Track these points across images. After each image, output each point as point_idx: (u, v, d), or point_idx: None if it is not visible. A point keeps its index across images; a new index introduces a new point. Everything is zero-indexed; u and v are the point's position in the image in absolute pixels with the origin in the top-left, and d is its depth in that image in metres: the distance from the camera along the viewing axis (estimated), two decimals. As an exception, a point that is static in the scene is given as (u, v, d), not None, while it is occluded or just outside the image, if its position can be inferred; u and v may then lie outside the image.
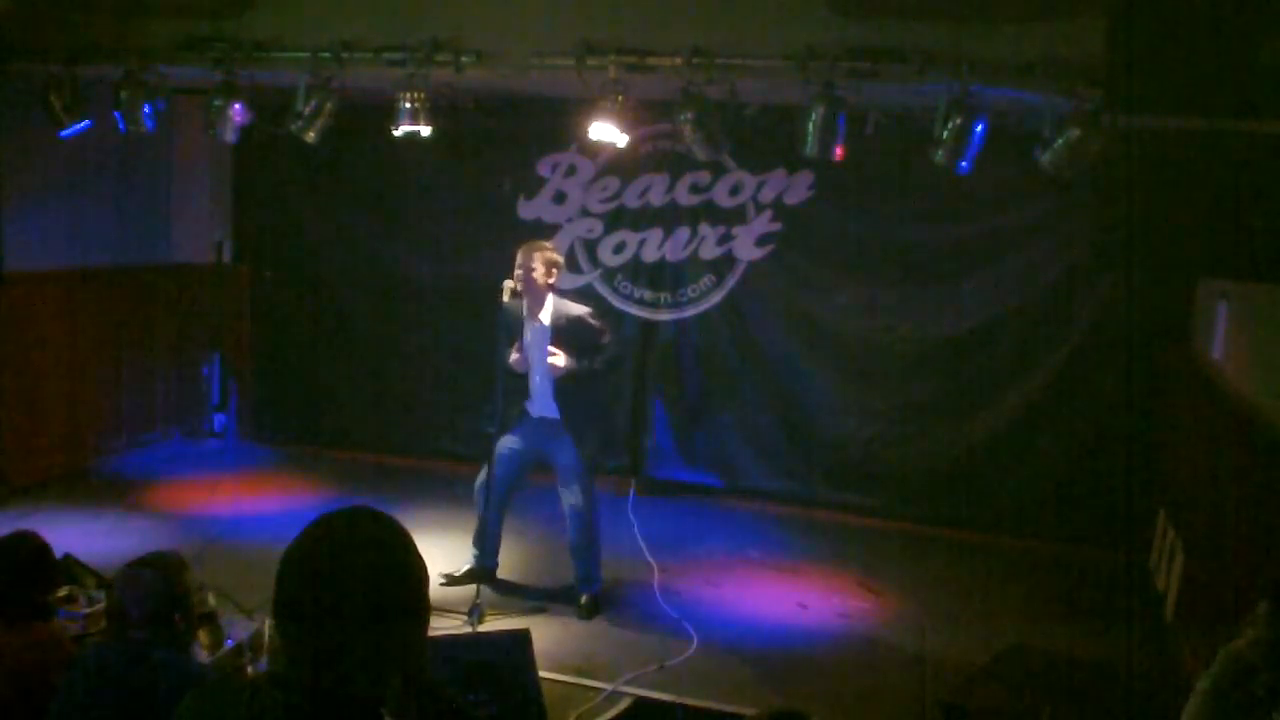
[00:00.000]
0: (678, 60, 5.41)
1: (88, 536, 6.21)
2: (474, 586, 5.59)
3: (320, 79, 5.97)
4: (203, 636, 4.26)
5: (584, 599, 5.78)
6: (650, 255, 7.87)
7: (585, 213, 7.96)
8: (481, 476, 5.90)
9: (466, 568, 5.97)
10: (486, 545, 5.94)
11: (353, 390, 8.68)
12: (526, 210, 7.98)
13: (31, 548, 3.43)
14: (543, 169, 7.99)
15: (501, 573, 6.10)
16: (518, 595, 5.94)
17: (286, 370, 8.89)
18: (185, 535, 6.52)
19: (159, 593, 2.99)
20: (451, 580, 5.90)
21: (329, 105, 6.05)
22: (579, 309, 5.84)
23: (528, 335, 5.74)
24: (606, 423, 5.78)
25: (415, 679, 1.76)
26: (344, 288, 8.65)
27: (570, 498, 5.78)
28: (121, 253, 8.30)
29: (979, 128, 5.17)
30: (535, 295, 5.70)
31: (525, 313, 5.73)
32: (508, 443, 5.84)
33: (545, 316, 5.72)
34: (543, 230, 7.71)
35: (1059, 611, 6.12)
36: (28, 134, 6.97)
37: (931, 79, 5.16)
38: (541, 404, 5.78)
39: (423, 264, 8.41)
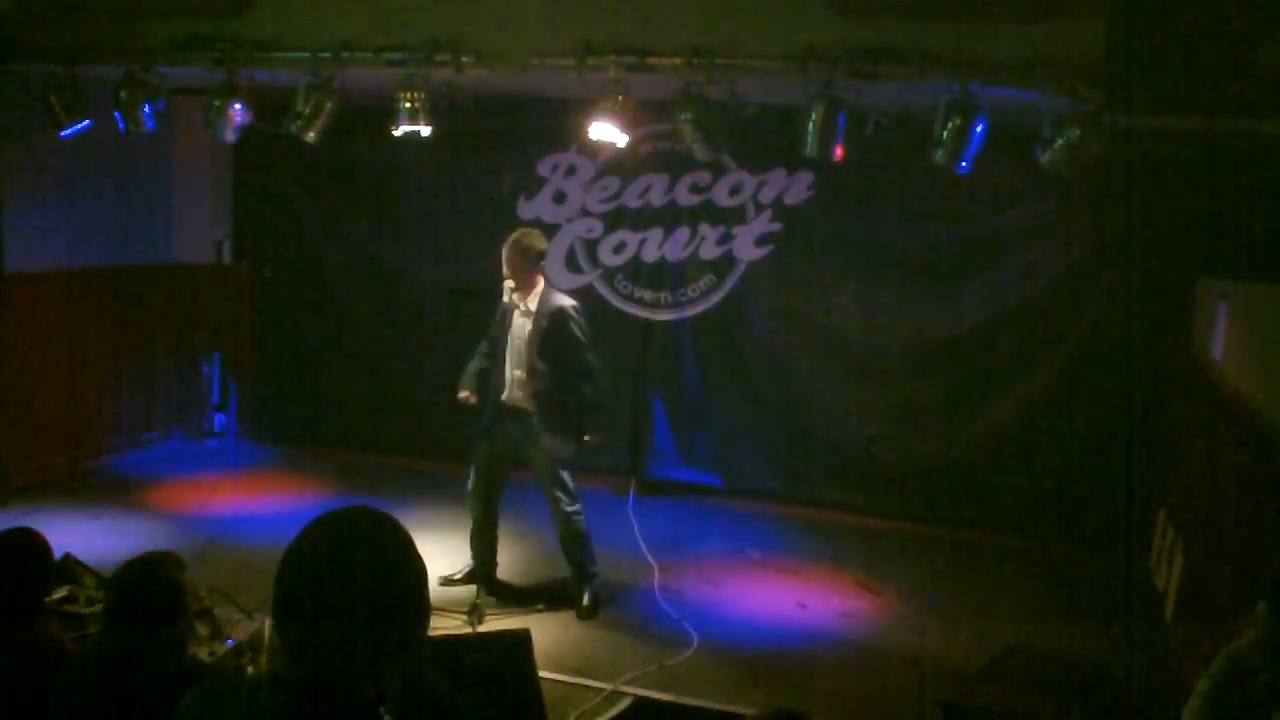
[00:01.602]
0: (678, 60, 5.41)
1: (88, 536, 6.21)
2: (474, 586, 5.59)
3: (320, 79, 5.97)
4: (200, 629, 4.26)
5: (584, 598, 5.78)
6: (650, 255, 7.87)
7: (585, 213, 7.96)
8: (471, 479, 5.91)
9: (465, 570, 5.97)
10: (483, 547, 5.94)
11: (353, 390, 8.68)
12: (526, 210, 7.98)
13: (31, 546, 3.43)
14: (543, 169, 7.98)
15: (501, 573, 6.10)
16: (518, 595, 5.95)
17: (286, 370, 8.89)
18: (185, 535, 6.53)
19: (158, 592, 2.99)
20: (450, 582, 5.90)
21: (329, 105, 6.05)
22: (564, 301, 5.78)
23: (512, 324, 5.73)
24: (579, 416, 5.83)
25: (415, 679, 1.76)
26: (344, 288, 8.65)
27: (550, 496, 5.77)
28: (121, 253, 8.30)
29: (979, 128, 5.17)
30: (521, 284, 5.69)
31: (510, 299, 5.74)
32: (485, 444, 5.84)
33: (531, 304, 5.71)
34: (542, 230, 7.69)
35: (1059, 611, 6.11)
36: (28, 134, 6.98)
37: (931, 79, 5.16)
38: (514, 394, 5.75)
39: (423, 264, 8.41)
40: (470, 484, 5.92)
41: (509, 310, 5.75)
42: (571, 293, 7.91)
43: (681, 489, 7.92)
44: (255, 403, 8.97)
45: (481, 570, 5.87)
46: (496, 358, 5.79)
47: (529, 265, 5.68)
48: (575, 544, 5.81)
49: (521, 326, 5.71)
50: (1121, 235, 6.44)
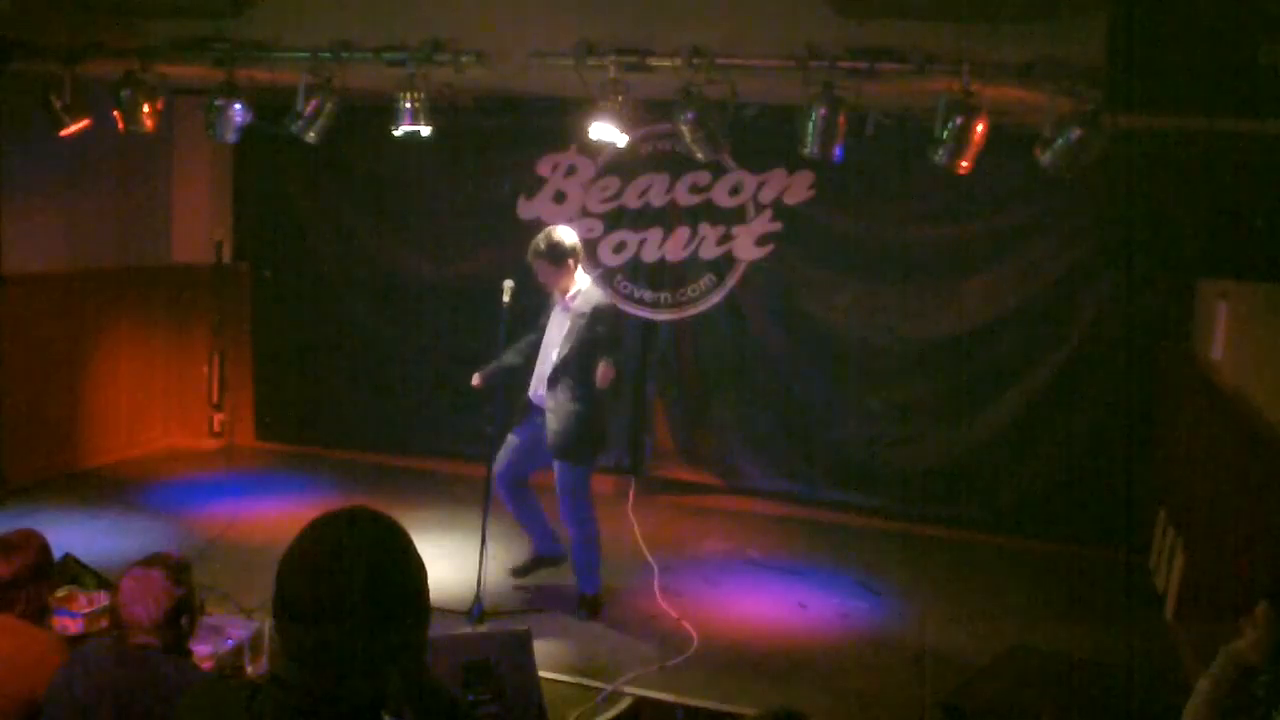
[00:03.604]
0: (678, 60, 5.41)
1: (88, 536, 6.21)
2: (473, 587, 5.59)
3: (320, 79, 5.96)
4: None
5: (583, 598, 5.78)
6: (650, 255, 7.86)
7: (585, 213, 7.95)
8: (498, 469, 5.90)
9: (528, 558, 6.08)
10: (532, 534, 6.01)
11: (353, 390, 8.68)
12: (526, 210, 7.98)
13: (33, 546, 3.43)
14: (543, 169, 7.98)
15: (499, 572, 6.10)
16: (518, 595, 5.95)
17: (286, 370, 8.89)
18: (185, 535, 6.53)
19: (169, 594, 2.99)
20: (520, 572, 6.06)
21: (329, 105, 6.05)
22: (600, 301, 5.70)
23: (551, 322, 5.75)
24: (598, 421, 5.83)
25: (415, 679, 1.76)
26: (344, 288, 8.64)
27: (565, 499, 5.74)
28: (121, 253, 8.30)
29: (979, 128, 5.17)
30: (554, 282, 5.69)
31: (555, 298, 5.77)
32: (511, 436, 5.87)
33: (570, 301, 5.69)
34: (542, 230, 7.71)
35: (1059, 611, 6.12)
36: (28, 134, 6.97)
37: (931, 79, 5.16)
38: (541, 389, 5.74)
39: (423, 264, 8.41)
40: (496, 472, 5.87)
41: (552, 309, 5.77)
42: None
43: (681, 489, 7.92)
44: (255, 403, 8.97)
45: (539, 557, 6.00)
46: (532, 356, 5.81)
47: (559, 263, 5.63)
48: (588, 549, 5.80)
49: (559, 324, 5.71)
50: (1121, 235, 6.45)
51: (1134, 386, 6.80)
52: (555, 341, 5.69)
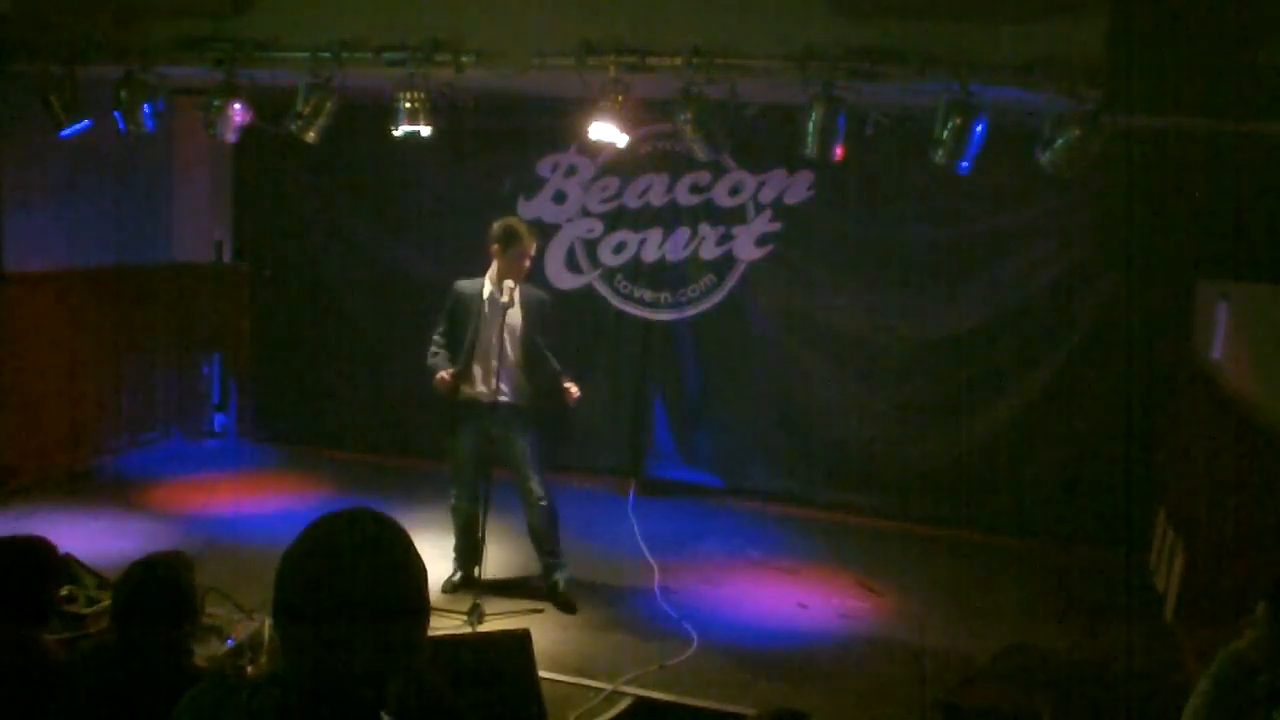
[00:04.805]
0: (678, 60, 5.41)
1: (88, 536, 6.21)
2: (473, 586, 5.59)
3: (320, 79, 5.96)
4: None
5: (561, 585, 5.83)
6: (650, 255, 7.87)
7: (585, 213, 7.96)
8: (462, 481, 5.88)
9: (458, 575, 5.98)
10: (473, 546, 5.89)
11: (353, 390, 8.68)
12: (526, 210, 7.98)
13: (41, 551, 3.42)
14: (543, 169, 7.99)
15: (499, 572, 6.10)
16: (518, 595, 5.94)
17: (286, 370, 8.89)
18: (185, 535, 6.52)
19: (168, 593, 2.99)
20: (454, 587, 5.90)
21: (329, 105, 6.05)
22: (541, 292, 6.04)
23: (495, 317, 5.71)
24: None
25: (415, 679, 1.76)
26: (344, 288, 8.64)
27: (535, 486, 5.77)
28: (121, 253, 8.30)
29: (979, 128, 5.17)
30: (516, 277, 5.75)
31: (488, 294, 5.75)
32: (476, 440, 5.82)
33: (518, 295, 5.76)
34: (542, 230, 7.71)
35: (1059, 611, 6.12)
36: (28, 134, 6.97)
37: (931, 79, 5.15)
38: (501, 389, 5.73)
39: (423, 264, 8.40)
40: (459, 487, 5.89)
41: (488, 303, 5.75)
42: (572, 293, 7.94)
43: (681, 489, 7.92)
44: (255, 403, 8.97)
45: (471, 571, 5.86)
46: (471, 353, 5.78)
47: (525, 256, 5.78)
48: (555, 529, 5.86)
49: (511, 318, 5.72)
50: (1121, 235, 6.45)
51: (1134, 386, 6.80)
52: (510, 339, 5.72)
